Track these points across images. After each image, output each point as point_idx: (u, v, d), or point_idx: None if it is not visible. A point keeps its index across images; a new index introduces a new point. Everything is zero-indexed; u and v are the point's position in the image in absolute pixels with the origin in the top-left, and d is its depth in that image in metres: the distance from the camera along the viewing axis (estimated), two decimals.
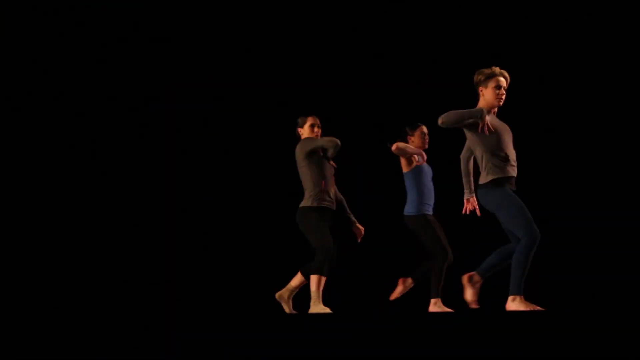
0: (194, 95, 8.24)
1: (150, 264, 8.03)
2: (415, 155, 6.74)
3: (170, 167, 8.18)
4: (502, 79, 5.64)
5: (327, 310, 6.28)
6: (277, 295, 6.62)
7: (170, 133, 8.22)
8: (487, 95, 5.65)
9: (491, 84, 5.63)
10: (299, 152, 6.57)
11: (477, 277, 5.71)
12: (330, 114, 6.88)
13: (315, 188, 6.49)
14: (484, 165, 5.58)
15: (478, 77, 5.69)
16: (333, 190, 6.62)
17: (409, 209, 6.77)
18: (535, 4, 8.02)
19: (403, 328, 5.10)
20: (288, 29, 8.26)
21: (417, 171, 6.77)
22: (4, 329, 5.54)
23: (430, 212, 6.78)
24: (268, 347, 4.96)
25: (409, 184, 6.79)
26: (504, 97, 5.64)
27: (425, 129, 6.86)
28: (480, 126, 5.52)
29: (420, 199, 6.73)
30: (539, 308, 5.43)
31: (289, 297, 6.58)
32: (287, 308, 6.58)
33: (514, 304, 5.43)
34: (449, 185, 6.70)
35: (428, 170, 6.86)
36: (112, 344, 5.12)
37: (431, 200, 6.79)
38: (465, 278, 5.71)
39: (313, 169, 6.51)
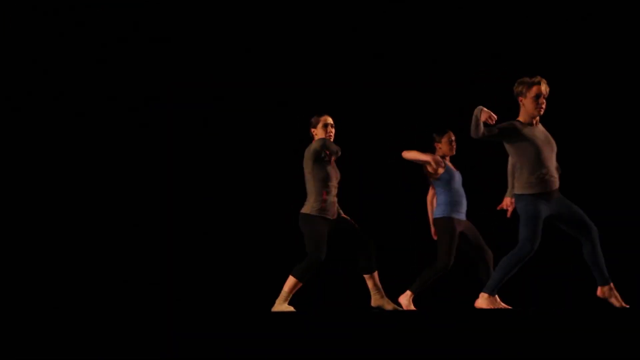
0: (194, 95, 8.23)
1: (150, 264, 8.03)
2: (432, 163, 6.64)
3: (170, 167, 8.18)
4: (542, 87, 5.66)
5: (291, 308, 6.30)
6: (373, 305, 6.54)
7: (170, 133, 8.21)
8: (527, 105, 5.68)
9: (530, 94, 5.66)
10: (305, 158, 6.51)
11: (603, 289, 5.75)
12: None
13: (317, 196, 6.44)
14: (517, 177, 5.68)
15: (518, 88, 5.71)
16: (335, 199, 6.53)
17: (437, 212, 6.72)
18: (535, 3, 8.02)
19: (401, 328, 5.10)
20: (288, 29, 8.26)
21: (445, 177, 6.70)
22: (4, 329, 5.53)
23: (460, 217, 6.69)
24: (268, 347, 4.96)
25: (438, 190, 6.72)
26: (544, 106, 5.68)
27: (452, 135, 6.79)
28: (486, 120, 5.57)
29: (449, 203, 6.66)
30: (504, 306, 5.67)
31: (382, 298, 6.51)
32: (390, 306, 6.52)
33: (481, 301, 5.63)
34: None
35: (458, 177, 6.78)
36: (112, 344, 5.12)
37: (462, 206, 6.71)
38: (600, 295, 5.76)
39: (317, 178, 6.44)
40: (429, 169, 6.70)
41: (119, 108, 8.21)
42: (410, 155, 6.62)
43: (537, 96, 5.65)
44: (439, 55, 8.16)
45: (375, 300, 6.52)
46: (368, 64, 8.25)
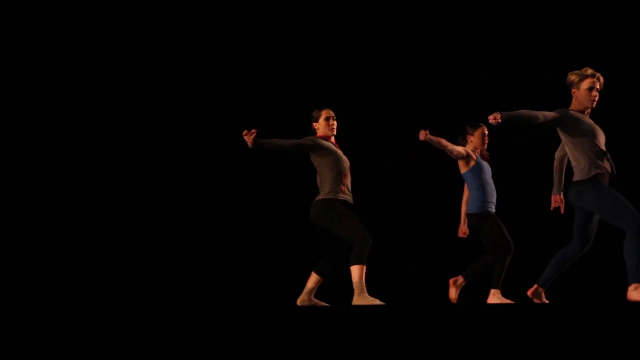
0: (194, 95, 8.24)
1: (150, 264, 8.03)
2: (461, 150, 6.59)
3: (170, 167, 8.18)
4: (595, 80, 5.67)
5: (377, 301, 6.05)
6: (299, 302, 6.46)
7: (170, 133, 8.22)
8: (580, 97, 5.69)
9: (584, 86, 5.67)
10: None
11: (539, 289, 5.95)
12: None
13: (334, 181, 6.28)
14: (578, 165, 5.61)
15: (571, 79, 5.72)
16: (349, 185, 6.39)
17: (471, 207, 6.71)
18: (535, 3, 8.03)
19: (401, 327, 5.10)
20: (288, 29, 8.26)
21: (476, 170, 6.69)
22: (4, 329, 5.54)
23: (492, 209, 6.72)
24: (268, 347, 4.96)
25: (469, 183, 6.72)
26: (597, 98, 5.68)
27: (486, 129, 6.74)
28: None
29: (482, 197, 6.67)
30: None
31: (309, 301, 6.45)
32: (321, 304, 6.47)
33: (635, 293, 5.37)
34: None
35: (487, 169, 6.78)
36: (112, 344, 5.12)
37: (493, 198, 6.73)
38: (530, 294, 5.94)
39: (328, 165, 6.32)
40: (459, 159, 6.66)
41: (119, 108, 8.22)
42: (434, 140, 6.40)
43: (591, 88, 5.65)
44: (439, 55, 8.16)
45: (303, 300, 6.42)
46: (368, 64, 8.25)
